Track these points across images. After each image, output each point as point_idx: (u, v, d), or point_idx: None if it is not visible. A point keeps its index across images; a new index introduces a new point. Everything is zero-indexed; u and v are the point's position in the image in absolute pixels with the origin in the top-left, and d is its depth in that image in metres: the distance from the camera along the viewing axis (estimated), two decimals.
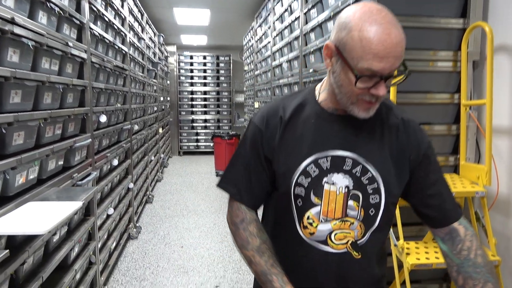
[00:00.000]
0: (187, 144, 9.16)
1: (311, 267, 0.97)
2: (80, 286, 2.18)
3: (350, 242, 0.94)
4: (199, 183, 6.19)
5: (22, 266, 1.52)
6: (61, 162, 2.01)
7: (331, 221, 0.94)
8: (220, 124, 9.20)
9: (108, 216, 2.90)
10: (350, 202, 0.93)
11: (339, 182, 0.93)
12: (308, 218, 0.95)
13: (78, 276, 2.18)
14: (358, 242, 0.95)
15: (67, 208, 1.40)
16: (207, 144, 9.04)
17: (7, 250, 1.10)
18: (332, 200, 0.94)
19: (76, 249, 2.18)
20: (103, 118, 2.71)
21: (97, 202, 2.59)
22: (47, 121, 1.81)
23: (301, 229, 0.97)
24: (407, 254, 1.66)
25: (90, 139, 2.38)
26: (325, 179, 0.94)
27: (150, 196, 5.07)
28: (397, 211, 1.71)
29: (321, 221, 0.94)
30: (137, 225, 3.99)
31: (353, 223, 0.94)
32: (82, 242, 2.28)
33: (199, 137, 9.14)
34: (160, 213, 4.64)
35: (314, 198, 0.95)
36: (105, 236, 2.85)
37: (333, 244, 0.94)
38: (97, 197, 2.66)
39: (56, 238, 1.93)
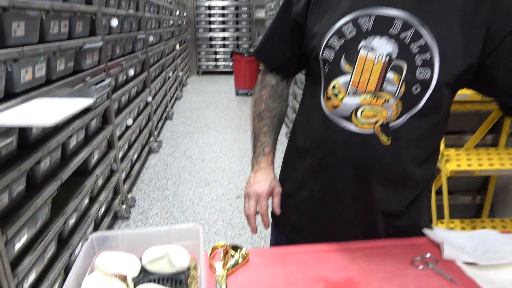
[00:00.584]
0: (205, 63, 8.88)
1: (329, 148, 0.83)
2: (103, 191, 2.19)
3: (380, 123, 0.77)
4: (218, 102, 6.08)
5: (38, 165, 1.47)
6: (71, 64, 1.88)
7: (361, 94, 0.77)
8: (239, 43, 8.77)
9: (128, 127, 2.85)
10: (390, 75, 0.75)
11: (380, 48, 0.75)
12: (333, 87, 0.79)
13: (100, 182, 2.18)
14: (390, 124, 0.77)
15: (78, 104, 1.29)
16: (226, 63, 8.74)
17: (11, 138, 1.02)
18: (367, 69, 0.76)
19: (96, 156, 2.15)
20: (114, 22, 2.51)
21: (114, 111, 2.51)
22: (50, 14, 1.63)
23: (324, 101, 0.82)
24: (447, 160, 1.52)
25: (102, 42, 2.22)
26: (362, 43, 0.76)
27: (170, 113, 5.02)
28: None
29: (349, 93, 0.78)
30: (158, 139, 3.98)
31: (388, 100, 0.76)
32: (101, 149, 2.24)
33: (217, 56, 8.81)
34: (181, 129, 4.61)
35: (344, 65, 0.78)
36: (126, 147, 2.83)
37: (358, 122, 0.78)
38: (115, 107, 2.57)
39: (73, 143, 1.88)
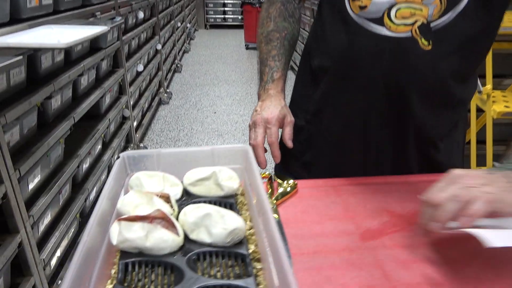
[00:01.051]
0: (213, 16, 8.52)
1: (355, 60, 0.69)
2: (115, 138, 2.10)
3: (419, 23, 0.64)
4: (228, 55, 5.86)
5: (49, 101, 1.37)
6: None
7: None
8: None
9: (138, 73, 2.71)
10: None
11: None
12: None
13: (112, 128, 2.08)
14: (432, 24, 0.64)
15: (92, 30, 1.16)
16: (235, 16, 8.38)
17: (21, 57, 0.90)
18: None
19: (108, 99, 2.04)
20: None
21: (125, 55, 2.36)
22: None
23: (349, 1, 0.68)
24: (493, 102, 1.39)
25: None
26: None
27: (178, 65, 4.84)
28: None
29: None
30: (168, 91, 3.85)
31: None
32: (113, 93, 2.13)
33: (226, 9, 8.44)
34: (190, 81, 4.45)
35: None
36: (137, 94, 2.71)
37: (392, 24, 0.64)
38: (125, 51, 2.42)
39: (85, 83, 1.76)
